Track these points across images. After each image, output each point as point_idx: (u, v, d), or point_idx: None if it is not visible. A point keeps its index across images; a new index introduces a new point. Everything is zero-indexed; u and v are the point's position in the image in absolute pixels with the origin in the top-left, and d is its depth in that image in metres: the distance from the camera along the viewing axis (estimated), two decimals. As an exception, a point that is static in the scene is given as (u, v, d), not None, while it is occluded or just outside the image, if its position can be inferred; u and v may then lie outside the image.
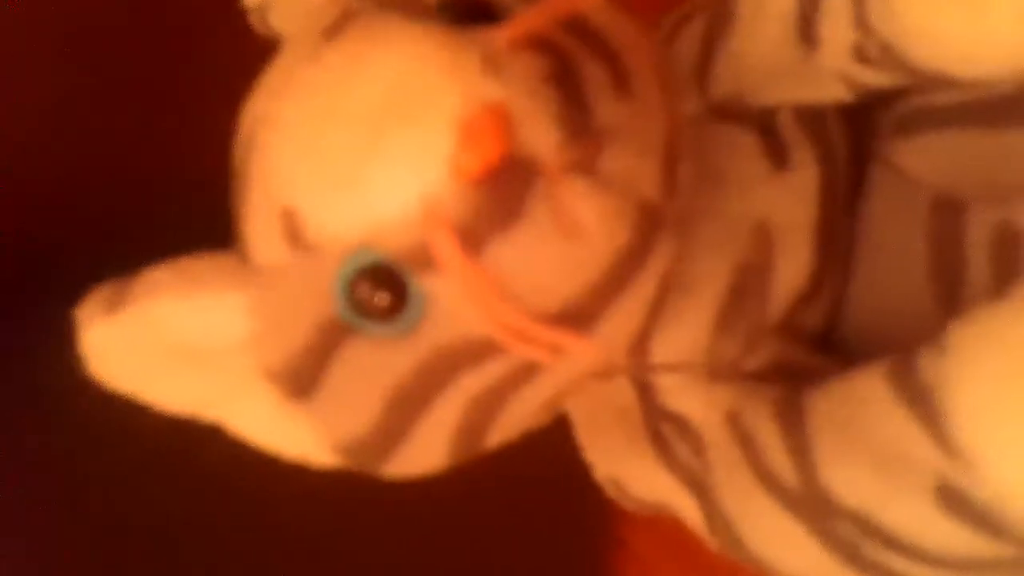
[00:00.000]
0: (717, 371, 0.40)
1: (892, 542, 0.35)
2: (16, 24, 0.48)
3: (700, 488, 0.39)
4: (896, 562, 0.35)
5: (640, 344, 0.39)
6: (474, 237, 0.32)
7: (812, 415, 0.36)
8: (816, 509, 0.36)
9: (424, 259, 0.33)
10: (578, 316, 0.33)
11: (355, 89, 0.33)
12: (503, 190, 0.32)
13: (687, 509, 0.40)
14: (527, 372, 0.35)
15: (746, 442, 0.38)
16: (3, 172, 0.48)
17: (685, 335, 0.39)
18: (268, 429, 0.37)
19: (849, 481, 0.35)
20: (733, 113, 0.41)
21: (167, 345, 0.37)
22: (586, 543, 0.73)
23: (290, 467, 0.38)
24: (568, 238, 0.32)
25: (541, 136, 0.32)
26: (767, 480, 0.37)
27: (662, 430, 0.40)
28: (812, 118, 0.41)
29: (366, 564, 0.61)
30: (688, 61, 0.42)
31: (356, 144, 0.32)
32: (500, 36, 0.33)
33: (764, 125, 0.41)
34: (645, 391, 0.41)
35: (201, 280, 0.36)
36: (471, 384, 0.34)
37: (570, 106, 0.33)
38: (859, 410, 0.35)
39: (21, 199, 0.48)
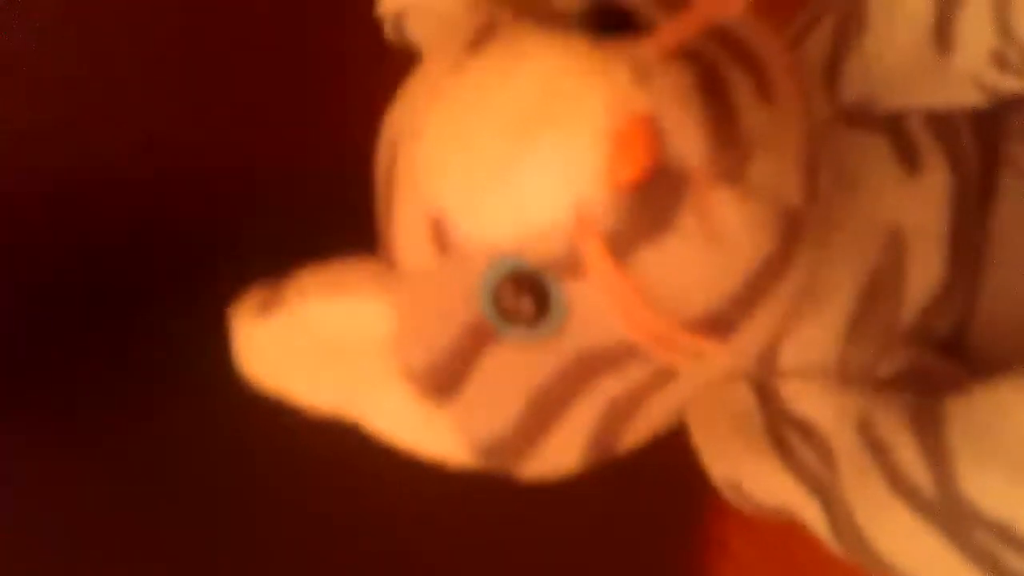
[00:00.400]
0: (848, 378, 0.39)
1: None
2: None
3: (826, 494, 0.39)
4: None
5: (770, 350, 0.39)
6: (622, 245, 0.32)
7: (951, 422, 0.36)
8: (954, 518, 0.35)
9: (570, 266, 0.33)
10: (719, 323, 0.34)
11: (503, 98, 0.33)
12: (652, 199, 0.32)
13: (810, 513, 0.40)
14: (664, 377, 0.35)
15: (878, 449, 0.37)
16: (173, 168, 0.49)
17: (816, 341, 0.39)
18: (407, 427, 0.38)
19: (990, 490, 0.35)
20: (862, 118, 0.41)
21: (314, 345, 0.37)
22: (682, 542, 0.73)
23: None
24: (715, 247, 0.33)
25: (690, 146, 0.32)
26: (901, 487, 0.36)
27: (786, 435, 0.40)
28: (943, 122, 0.41)
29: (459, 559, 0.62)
30: (818, 63, 0.41)
31: (506, 151, 0.33)
32: (647, 46, 0.33)
33: (894, 129, 0.40)
34: (767, 396, 0.41)
35: (349, 284, 0.37)
36: (610, 388, 0.35)
37: (717, 115, 0.33)
38: (1002, 418, 0.35)
39: (182, 194, 0.49)
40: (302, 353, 0.38)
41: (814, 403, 0.40)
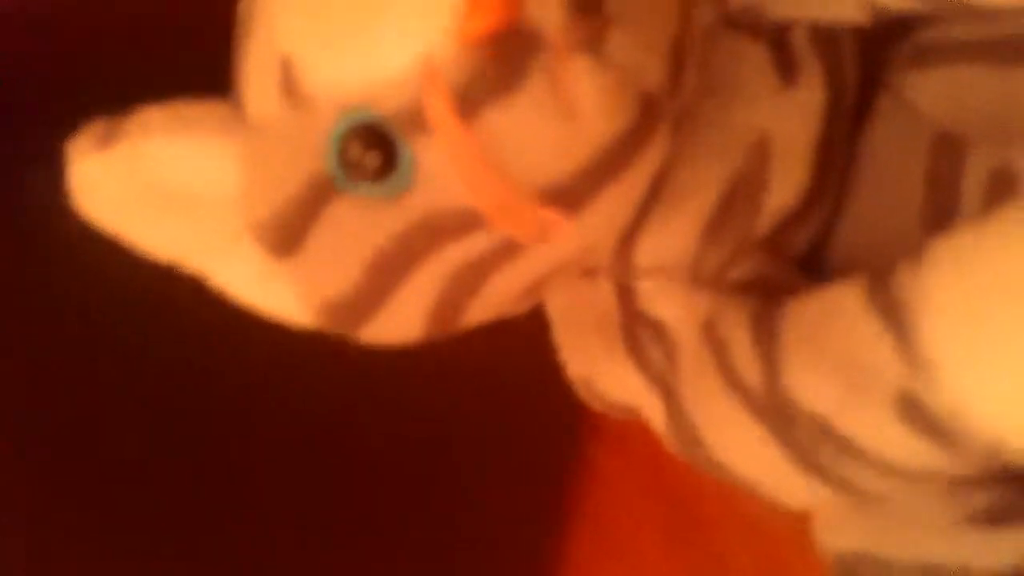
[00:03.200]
0: (699, 279, 0.40)
1: (848, 448, 0.35)
2: None
3: (667, 390, 0.39)
4: (849, 467, 0.35)
5: (626, 245, 0.39)
6: (469, 102, 0.32)
7: (785, 323, 0.36)
8: (778, 412, 0.36)
9: (418, 122, 0.32)
10: (565, 198, 0.33)
11: None
12: (504, 58, 0.32)
13: (653, 411, 0.40)
14: (510, 251, 0.35)
15: (718, 347, 0.38)
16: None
17: (672, 240, 0.39)
18: (251, 285, 0.37)
19: (813, 386, 0.35)
20: (747, 25, 0.40)
21: (156, 187, 0.37)
22: (554, 457, 0.73)
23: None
24: (564, 115, 0.32)
25: (548, 10, 0.32)
26: (733, 383, 0.37)
27: (638, 334, 0.41)
28: (826, 39, 0.41)
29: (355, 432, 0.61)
30: None
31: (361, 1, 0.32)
32: None
33: (777, 40, 0.40)
34: (625, 295, 0.41)
35: (194, 123, 0.36)
36: (453, 256, 0.34)
37: None
38: (831, 319, 0.35)
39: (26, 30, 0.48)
40: (143, 194, 0.37)
41: (666, 301, 0.40)
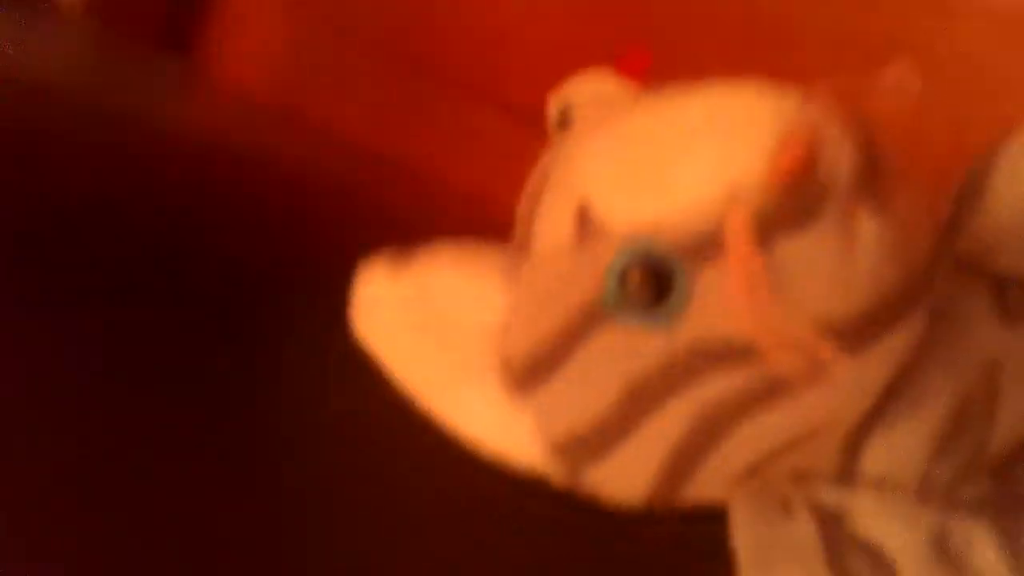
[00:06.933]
0: (928, 498, 0.39)
1: None
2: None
3: None
4: None
5: (856, 444, 0.39)
6: (765, 230, 0.34)
7: None
8: None
9: (706, 249, 0.34)
10: (838, 339, 0.34)
11: (673, 112, 0.36)
12: (802, 193, 0.34)
13: None
14: (770, 392, 0.35)
15: (953, 560, 0.37)
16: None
17: (904, 445, 0.39)
18: (485, 421, 0.38)
19: None
20: (970, 267, 0.42)
21: (432, 317, 0.38)
22: None
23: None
24: (847, 257, 0.34)
25: (844, 161, 0.34)
26: None
27: (849, 566, 0.39)
28: None
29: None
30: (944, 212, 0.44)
31: (667, 147, 0.35)
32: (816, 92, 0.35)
33: (996, 284, 0.42)
34: (831, 523, 0.40)
35: (479, 263, 0.38)
36: (711, 390, 0.35)
37: (870, 144, 0.35)
38: None
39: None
40: (415, 324, 0.38)
41: (887, 521, 0.39)
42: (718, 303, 0.34)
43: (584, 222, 0.35)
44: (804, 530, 0.40)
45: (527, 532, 0.41)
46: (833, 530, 0.40)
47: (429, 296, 0.38)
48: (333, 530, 0.49)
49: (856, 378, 0.35)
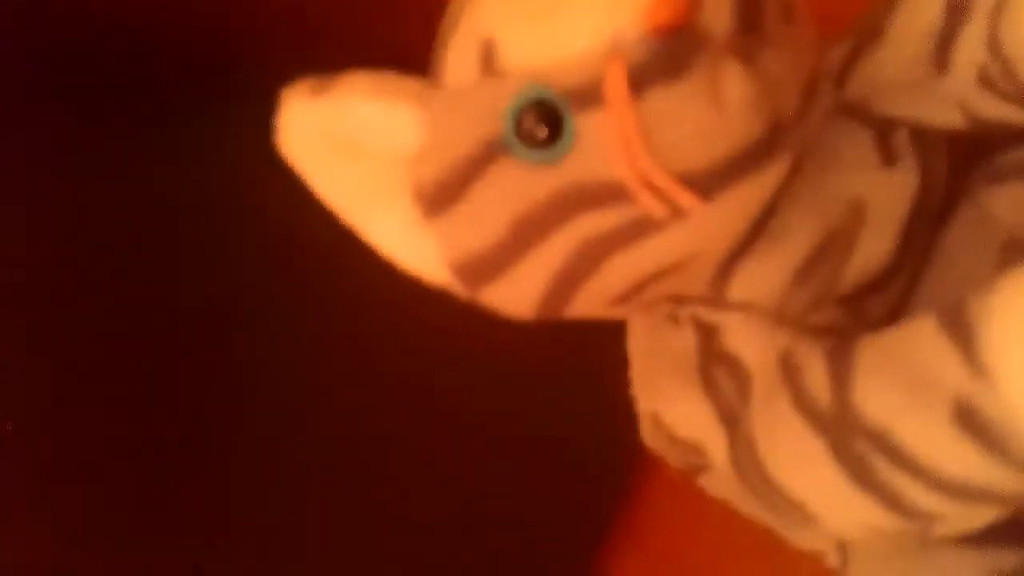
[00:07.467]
0: (782, 319, 0.44)
1: (902, 458, 0.38)
2: None
3: (733, 420, 0.43)
4: (901, 481, 0.38)
5: (723, 275, 0.44)
6: (640, 81, 0.38)
7: (859, 349, 0.40)
8: (840, 426, 0.39)
9: (590, 97, 0.38)
10: (700, 184, 0.39)
11: None
12: (676, 48, 0.38)
13: (716, 446, 0.44)
14: (640, 229, 0.40)
15: (792, 372, 0.41)
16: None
17: (765, 276, 0.43)
18: (398, 240, 0.43)
19: (877, 396, 0.38)
20: (857, 113, 0.46)
21: (347, 140, 0.42)
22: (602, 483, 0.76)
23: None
24: (713, 109, 0.38)
25: (719, 18, 0.38)
26: (801, 402, 0.40)
27: (714, 372, 0.45)
28: (925, 141, 0.46)
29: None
30: (835, 63, 0.47)
31: None
32: None
33: (882, 132, 0.46)
34: (707, 337, 0.45)
35: (395, 91, 0.42)
36: (588, 226, 0.39)
37: (748, 6, 0.38)
38: (902, 343, 0.39)
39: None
40: (334, 145, 0.42)
41: (747, 335, 0.44)
42: (598, 147, 0.38)
43: (488, 59, 0.40)
44: (685, 339, 0.46)
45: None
46: (707, 342, 0.45)
47: (347, 121, 0.42)
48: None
49: (716, 219, 0.40)
